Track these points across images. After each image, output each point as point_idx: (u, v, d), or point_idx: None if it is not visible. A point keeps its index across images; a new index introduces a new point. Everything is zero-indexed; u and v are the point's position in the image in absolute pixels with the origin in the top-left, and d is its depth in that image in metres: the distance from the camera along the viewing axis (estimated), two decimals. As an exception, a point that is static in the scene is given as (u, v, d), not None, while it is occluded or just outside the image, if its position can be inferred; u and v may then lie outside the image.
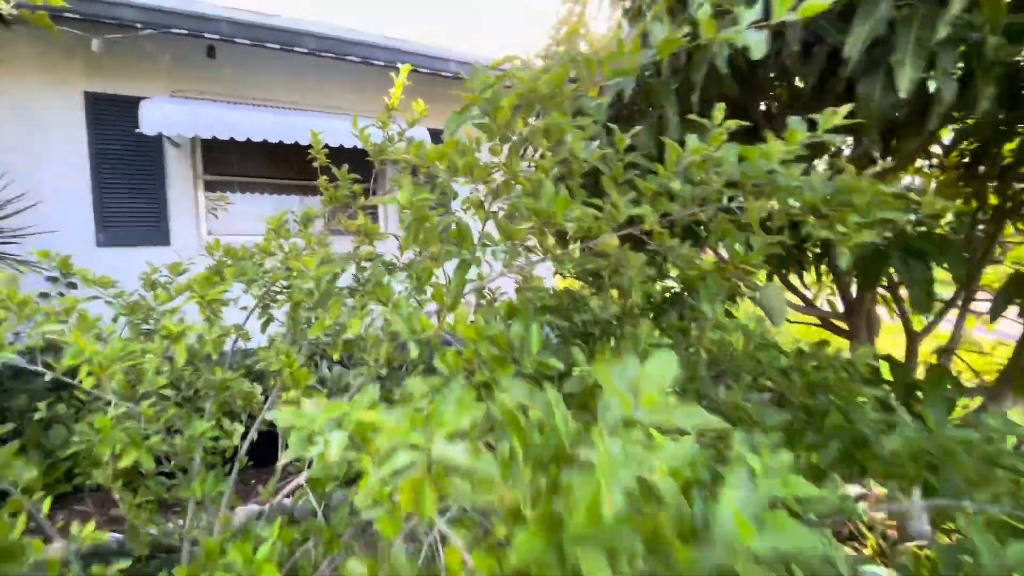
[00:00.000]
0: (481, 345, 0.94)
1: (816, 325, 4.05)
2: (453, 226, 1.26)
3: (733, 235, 1.23)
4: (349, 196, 2.18)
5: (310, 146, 2.52)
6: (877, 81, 1.77)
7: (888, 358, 2.13)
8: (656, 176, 1.18)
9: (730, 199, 1.24)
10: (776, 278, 3.51)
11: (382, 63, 5.89)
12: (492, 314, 1.36)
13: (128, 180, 5.60)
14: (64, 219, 5.41)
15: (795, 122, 1.14)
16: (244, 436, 2.00)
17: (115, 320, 1.99)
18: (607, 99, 2.10)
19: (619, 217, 1.07)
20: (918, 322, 3.47)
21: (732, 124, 1.22)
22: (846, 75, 1.84)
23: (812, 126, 1.20)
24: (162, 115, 4.31)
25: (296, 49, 5.42)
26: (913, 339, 3.43)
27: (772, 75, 2.45)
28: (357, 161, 2.70)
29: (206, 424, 1.69)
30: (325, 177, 2.45)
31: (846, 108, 1.25)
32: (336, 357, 1.43)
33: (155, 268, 2.85)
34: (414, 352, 1.03)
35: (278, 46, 5.32)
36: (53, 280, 5.38)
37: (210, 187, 6.24)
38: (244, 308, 2.20)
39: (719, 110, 1.24)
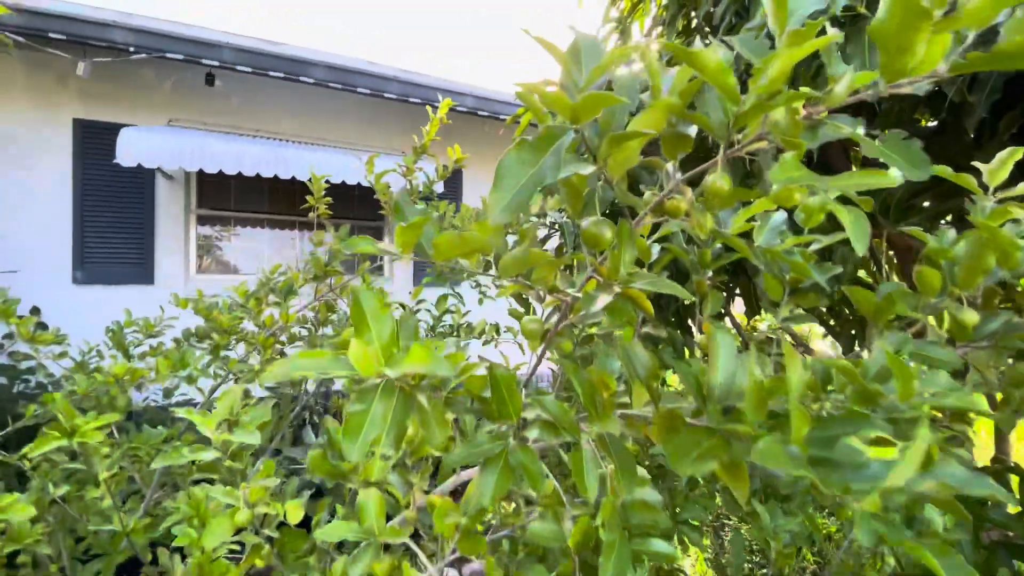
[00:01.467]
0: None
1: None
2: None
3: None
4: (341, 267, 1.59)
5: (311, 181, 1.94)
6: None
7: (1019, 469, 1.47)
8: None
9: None
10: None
11: (395, 96, 5.46)
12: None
13: (113, 213, 5.12)
14: (37, 254, 4.91)
15: None
16: None
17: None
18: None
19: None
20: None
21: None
22: None
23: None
24: (143, 145, 3.82)
25: (303, 79, 5.00)
26: (1004, 434, 2.76)
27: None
28: (365, 199, 2.15)
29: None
30: (322, 232, 1.90)
31: None
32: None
33: (130, 320, 2.24)
34: None
35: (283, 75, 4.90)
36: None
37: (204, 222, 5.76)
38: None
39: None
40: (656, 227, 0.91)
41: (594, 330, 0.93)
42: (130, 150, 3.79)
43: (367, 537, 0.69)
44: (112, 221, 5.14)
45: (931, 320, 0.66)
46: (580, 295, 0.58)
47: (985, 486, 0.33)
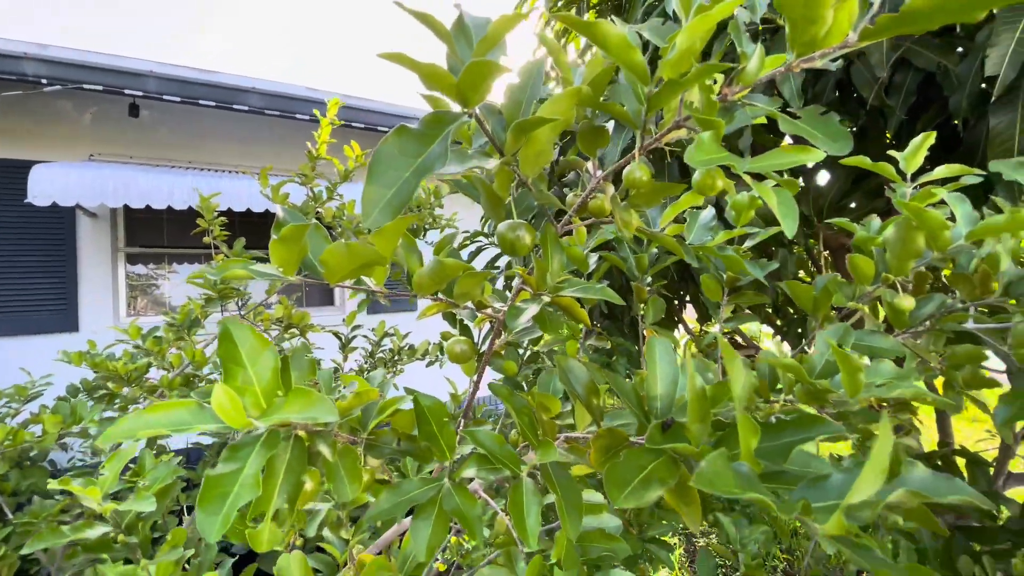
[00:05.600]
0: None
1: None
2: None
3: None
4: (236, 290, 1.48)
5: (256, 212, 1.83)
6: (1015, 113, 1.25)
7: (966, 452, 1.52)
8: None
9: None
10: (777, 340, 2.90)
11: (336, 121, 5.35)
12: None
13: (28, 257, 4.72)
14: (-61, 307, 4.45)
15: None
16: None
17: None
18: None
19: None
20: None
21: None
22: (965, 107, 1.32)
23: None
24: (58, 182, 3.54)
25: (237, 107, 4.82)
26: (945, 414, 2.88)
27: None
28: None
29: None
30: (222, 256, 1.80)
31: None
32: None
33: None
34: None
35: (215, 104, 4.71)
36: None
37: (134, 261, 5.40)
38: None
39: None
40: (596, 238, 0.87)
41: (540, 346, 0.87)
42: (43, 188, 3.50)
43: (289, 607, 0.60)
44: (28, 265, 4.73)
45: (867, 311, 0.65)
46: (509, 310, 0.53)
47: (960, 491, 0.29)
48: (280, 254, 0.36)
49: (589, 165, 0.48)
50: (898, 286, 0.59)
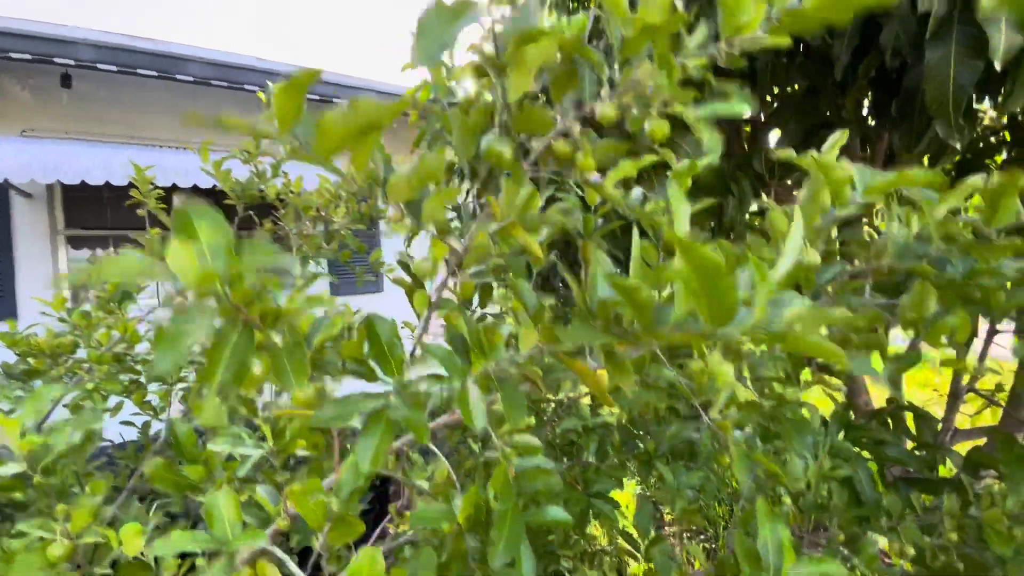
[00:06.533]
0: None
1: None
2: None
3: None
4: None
5: (203, 188, 1.77)
6: (949, 47, 1.31)
7: (913, 408, 1.64)
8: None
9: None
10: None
11: (289, 94, 5.14)
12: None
13: (-43, 241, 4.41)
14: None
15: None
16: None
17: None
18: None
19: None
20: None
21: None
22: (904, 42, 1.38)
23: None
24: (-17, 157, 3.31)
25: (178, 77, 4.57)
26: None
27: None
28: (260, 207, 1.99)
29: None
30: (157, 230, 1.76)
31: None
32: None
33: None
34: None
35: (155, 73, 4.45)
36: None
37: (76, 243, 5.11)
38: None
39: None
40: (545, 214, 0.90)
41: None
42: (-34, 163, 3.27)
43: (216, 546, 0.60)
44: (-43, 250, 4.42)
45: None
46: (469, 244, 0.55)
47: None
48: (282, 102, 0.37)
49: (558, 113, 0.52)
50: (808, 247, 0.65)
